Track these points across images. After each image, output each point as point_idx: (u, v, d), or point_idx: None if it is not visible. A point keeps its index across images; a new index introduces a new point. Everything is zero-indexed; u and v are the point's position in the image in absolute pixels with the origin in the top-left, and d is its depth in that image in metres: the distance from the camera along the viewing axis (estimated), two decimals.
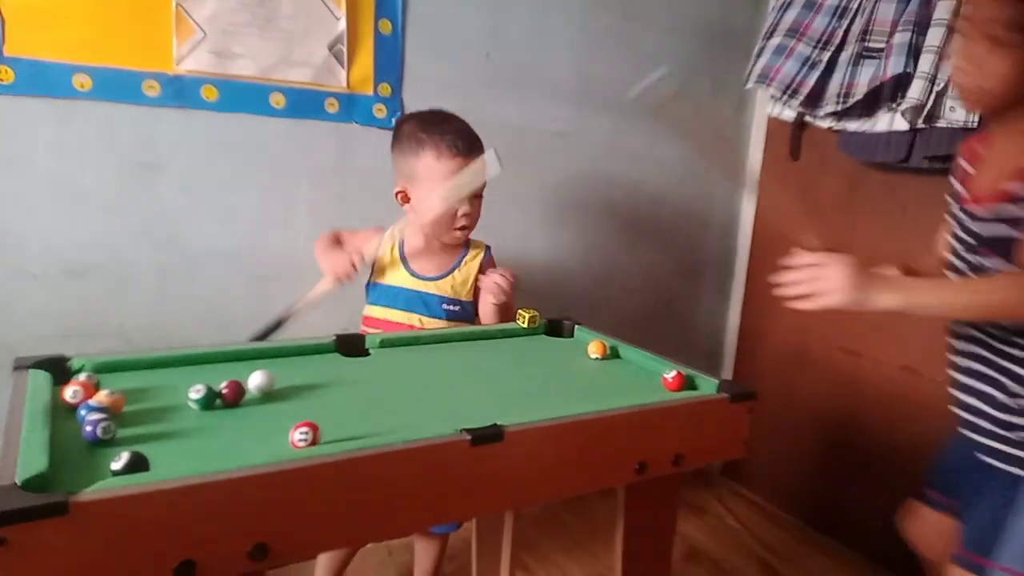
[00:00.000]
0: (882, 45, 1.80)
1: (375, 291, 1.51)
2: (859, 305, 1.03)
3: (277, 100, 1.66)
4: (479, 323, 1.51)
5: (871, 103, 1.85)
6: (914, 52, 1.72)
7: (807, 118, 2.10)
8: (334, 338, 1.20)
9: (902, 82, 1.75)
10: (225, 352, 1.11)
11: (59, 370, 0.97)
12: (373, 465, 0.77)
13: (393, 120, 1.77)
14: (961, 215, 1.19)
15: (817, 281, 1.06)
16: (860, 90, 1.83)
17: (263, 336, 1.44)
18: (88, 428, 0.78)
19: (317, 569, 1.57)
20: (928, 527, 1.32)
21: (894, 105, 1.80)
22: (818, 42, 1.97)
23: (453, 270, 1.50)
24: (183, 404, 0.90)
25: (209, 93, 1.58)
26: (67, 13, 1.44)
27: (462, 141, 1.40)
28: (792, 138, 2.19)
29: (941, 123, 1.70)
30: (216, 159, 1.63)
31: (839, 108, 1.90)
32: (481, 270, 1.51)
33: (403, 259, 1.49)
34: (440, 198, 1.38)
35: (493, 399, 1.03)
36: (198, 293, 1.67)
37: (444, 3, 1.81)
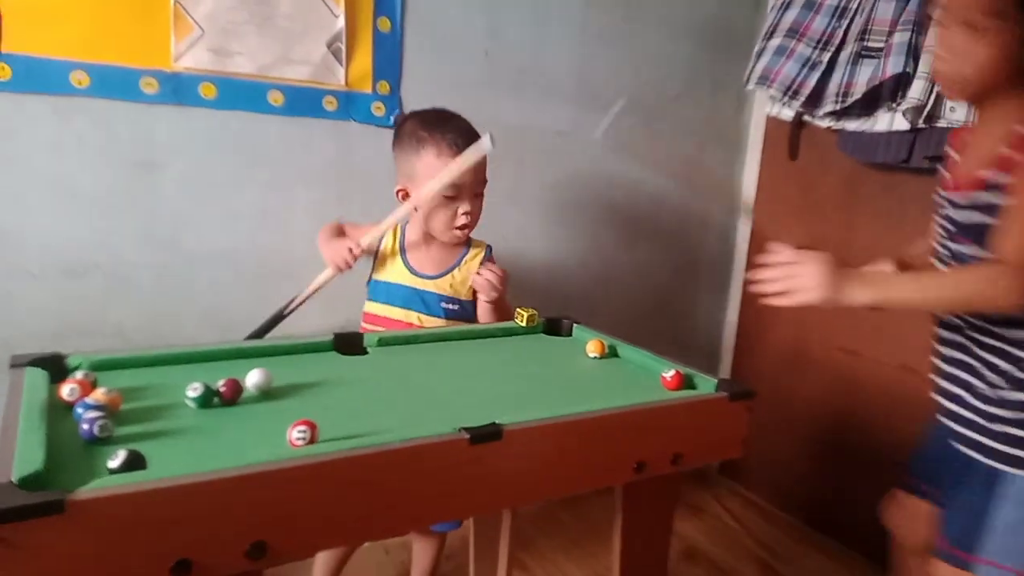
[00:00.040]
0: (881, 45, 1.80)
1: (375, 288, 1.51)
2: (834, 301, 1.04)
3: (275, 98, 1.65)
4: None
5: (870, 103, 1.85)
6: (913, 52, 1.72)
7: (805, 117, 2.10)
8: (332, 336, 1.20)
9: (902, 82, 1.75)
10: (223, 350, 1.11)
11: (56, 368, 0.96)
12: (371, 464, 0.77)
13: (392, 118, 1.77)
14: (942, 202, 1.21)
15: (793, 278, 1.06)
16: (859, 89, 1.83)
17: (265, 330, 1.45)
18: (85, 426, 0.77)
19: (315, 568, 1.56)
20: (908, 513, 1.34)
21: (894, 105, 1.80)
22: (818, 43, 1.97)
23: (452, 269, 1.49)
24: (180, 402, 0.90)
25: (207, 91, 1.58)
26: (65, 9, 1.43)
27: (463, 139, 1.40)
28: (791, 137, 2.19)
29: (942, 123, 1.70)
30: (214, 157, 1.63)
31: (838, 107, 1.90)
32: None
33: (403, 252, 1.49)
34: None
35: (491, 398, 1.03)
36: (197, 292, 1.66)
37: (443, 1, 1.81)
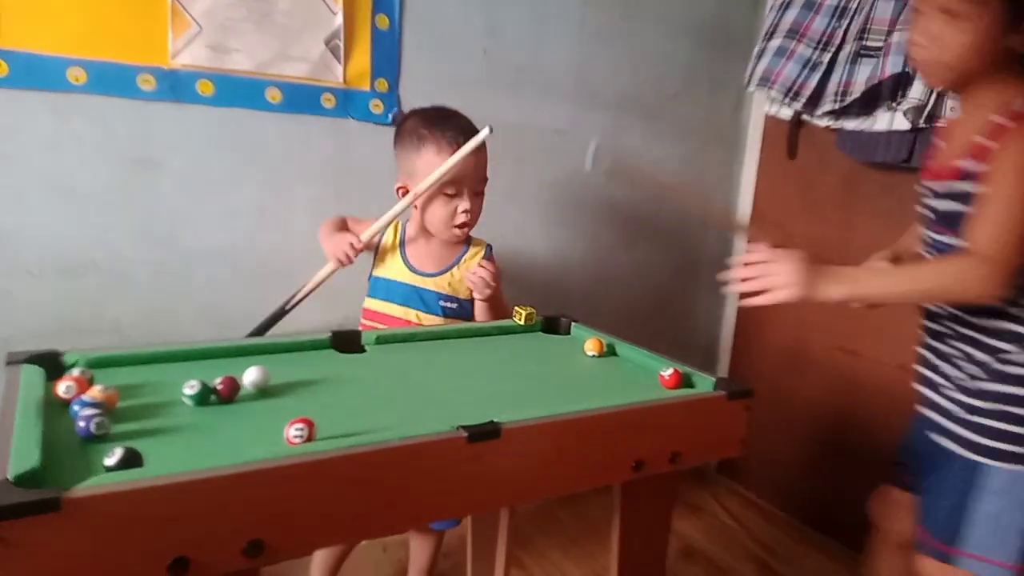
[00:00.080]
0: (880, 44, 1.80)
1: (375, 284, 1.51)
2: (809, 298, 1.05)
3: (273, 95, 1.65)
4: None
5: (869, 102, 1.85)
6: None
7: (804, 117, 2.10)
8: (330, 334, 1.20)
9: (902, 81, 1.75)
10: (220, 348, 1.10)
11: (52, 365, 0.96)
12: (369, 462, 0.77)
13: (390, 116, 1.76)
14: (924, 191, 1.22)
15: (767, 277, 1.07)
16: (858, 89, 1.83)
17: (267, 326, 1.45)
18: (81, 424, 0.77)
19: (312, 566, 1.56)
20: (892, 505, 1.35)
21: (894, 104, 1.80)
22: (818, 43, 1.97)
23: (452, 267, 1.49)
24: (177, 400, 0.89)
25: (205, 88, 1.58)
26: (62, 5, 1.42)
27: (463, 137, 1.40)
28: (789, 136, 2.19)
29: (942, 123, 1.70)
30: (212, 154, 1.63)
31: (836, 107, 1.90)
32: None
33: (402, 249, 1.49)
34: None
35: (490, 396, 1.03)
36: (194, 289, 1.66)
37: None
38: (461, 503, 0.88)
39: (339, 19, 1.67)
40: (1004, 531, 1.09)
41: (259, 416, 0.89)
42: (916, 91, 1.70)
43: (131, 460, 0.69)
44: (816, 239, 2.12)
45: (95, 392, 0.84)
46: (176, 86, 1.55)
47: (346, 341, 1.20)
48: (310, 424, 0.79)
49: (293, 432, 0.78)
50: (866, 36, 1.84)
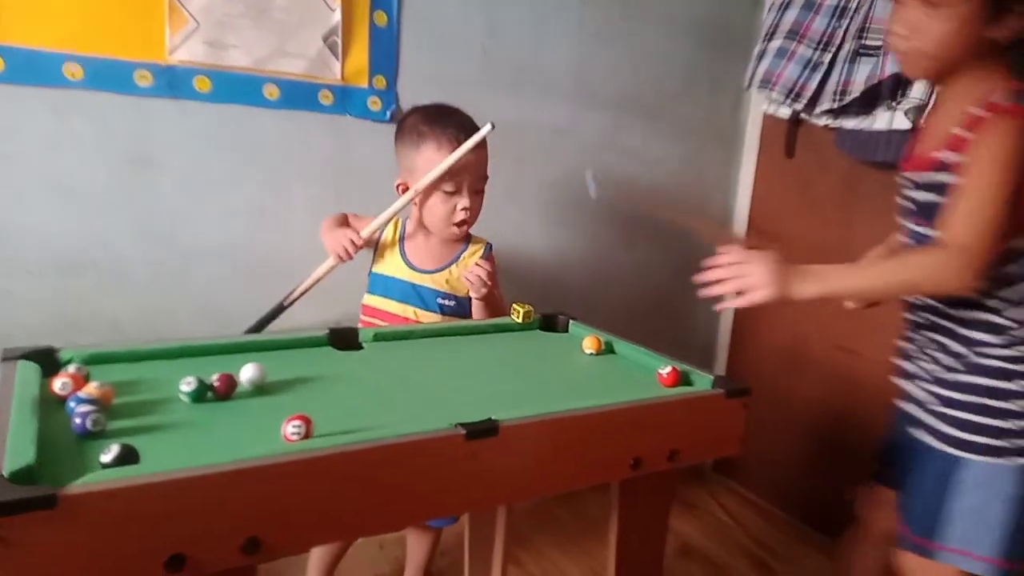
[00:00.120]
0: (879, 43, 1.80)
1: (374, 280, 1.51)
2: (784, 298, 1.05)
3: (271, 91, 1.64)
4: None
5: (869, 101, 1.85)
6: None
7: (802, 115, 2.10)
8: (327, 332, 1.19)
9: (902, 81, 1.74)
10: (216, 344, 1.10)
11: (48, 361, 0.96)
12: (366, 459, 0.76)
13: (388, 113, 1.76)
14: (904, 182, 1.22)
15: (741, 279, 1.07)
16: (857, 88, 1.83)
17: (266, 322, 1.45)
18: (77, 420, 0.77)
19: (310, 563, 1.56)
20: (874, 500, 1.35)
21: (894, 104, 1.79)
22: (819, 44, 1.96)
23: (450, 264, 1.49)
24: (174, 397, 0.89)
25: (202, 84, 1.57)
26: (58, 1, 1.42)
27: (463, 134, 1.40)
28: (787, 135, 2.19)
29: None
30: (209, 151, 1.62)
31: (835, 106, 1.90)
32: None
33: (402, 246, 1.49)
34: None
35: (488, 394, 1.03)
36: (193, 288, 1.65)
37: None
38: (459, 501, 0.88)
39: (337, 15, 1.67)
40: (984, 525, 1.09)
41: (256, 413, 0.89)
42: (917, 90, 1.70)
43: (127, 457, 0.69)
44: (815, 239, 2.12)
45: (91, 388, 0.83)
46: (173, 82, 1.54)
47: (344, 338, 1.20)
48: (307, 421, 0.78)
49: (290, 429, 0.77)
50: (865, 35, 1.84)
